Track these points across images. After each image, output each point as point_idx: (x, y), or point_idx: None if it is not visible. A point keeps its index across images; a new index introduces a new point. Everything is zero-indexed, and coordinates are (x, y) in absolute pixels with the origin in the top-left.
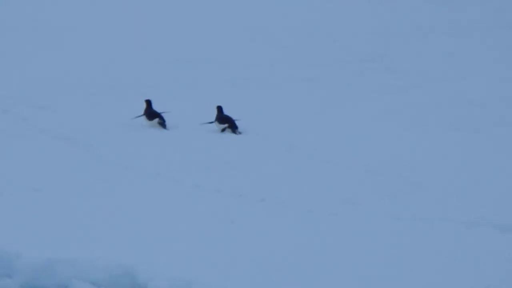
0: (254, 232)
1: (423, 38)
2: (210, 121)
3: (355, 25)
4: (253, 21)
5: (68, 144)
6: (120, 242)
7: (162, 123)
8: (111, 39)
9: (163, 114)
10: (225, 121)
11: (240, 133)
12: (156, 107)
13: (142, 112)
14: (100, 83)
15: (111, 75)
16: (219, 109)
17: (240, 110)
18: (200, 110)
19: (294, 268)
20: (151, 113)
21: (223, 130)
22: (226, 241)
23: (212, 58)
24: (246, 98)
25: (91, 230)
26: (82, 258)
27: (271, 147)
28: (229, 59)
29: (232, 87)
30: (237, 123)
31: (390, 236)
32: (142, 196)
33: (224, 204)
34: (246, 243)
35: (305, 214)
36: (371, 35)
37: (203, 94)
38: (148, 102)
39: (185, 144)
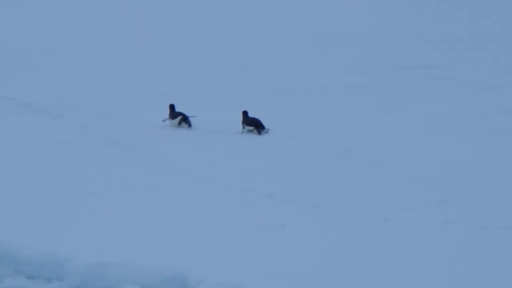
0: (304, 236)
1: (474, 46)
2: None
3: (407, 33)
4: (302, 29)
5: (121, 150)
6: (169, 245)
7: (186, 121)
8: (160, 45)
9: (191, 118)
10: (252, 123)
11: (267, 132)
12: (205, 113)
13: (167, 116)
14: (153, 89)
15: (162, 81)
16: (245, 113)
17: (291, 116)
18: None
19: (343, 273)
20: (174, 114)
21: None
22: (276, 246)
23: (259, 64)
24: (298, 104)
25: (142, 233)
26: (132, 261)
27: (323, 153)
28: (279, 66)
29: (282, 93)
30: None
31: (441, 242)
32: (194, 200)
33: (276, 208)
34: (296, 248)
35: (355, 219)
36: (424, 43)
37: (252, 101)
38: (172, 107)
39: (238, 149)
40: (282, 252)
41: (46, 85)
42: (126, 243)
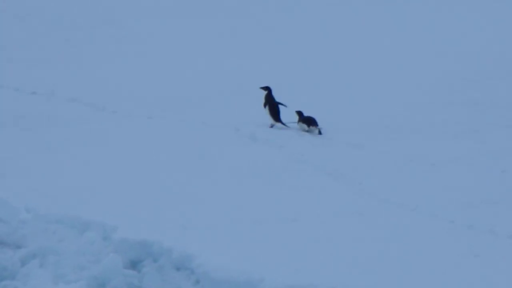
0: (503, 269)
1: None
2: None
3: None
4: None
5: (335, 178)
6: (347, 270)
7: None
8: (391, 78)
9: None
10: (308, 121)
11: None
12: (424, 144)
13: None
14: (388, 121)
15: (394, 113)
16: (300, 113)
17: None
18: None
19: None
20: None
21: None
22: (466, 276)
23: (488, 100)
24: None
25: (336, 259)
26: (320, 285)
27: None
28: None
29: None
30: None
31: None
32: (396, 229)
33: (474, 240)
34: (490, 279)
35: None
36: None
37: (474, 136)
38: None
39: (444, 180)
40: (472, 282)
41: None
42: (315, 268)
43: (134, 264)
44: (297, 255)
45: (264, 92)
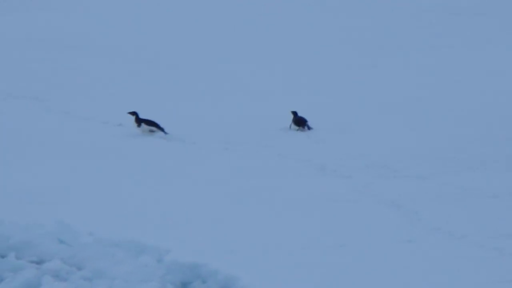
0: None
1: None
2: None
3: None
4: None
5: (389, 207)
6: None
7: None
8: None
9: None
10: (300, 122)
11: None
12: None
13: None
14: (465, 153)
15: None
16: (295, 113)
17: None
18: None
19: None
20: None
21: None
22: None
23: None
24: None
25: (374, 285)
26: None
27: None
28: None
29: None
30: None
31: None
32: (440, 256)
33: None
34: None
35: None
36: None
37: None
38: (134, 113)
39: (499, 211)
40: None
41: (339, 148)
42: None
43: (184, 286)
44: (339, 280)
45: (133, 117)
